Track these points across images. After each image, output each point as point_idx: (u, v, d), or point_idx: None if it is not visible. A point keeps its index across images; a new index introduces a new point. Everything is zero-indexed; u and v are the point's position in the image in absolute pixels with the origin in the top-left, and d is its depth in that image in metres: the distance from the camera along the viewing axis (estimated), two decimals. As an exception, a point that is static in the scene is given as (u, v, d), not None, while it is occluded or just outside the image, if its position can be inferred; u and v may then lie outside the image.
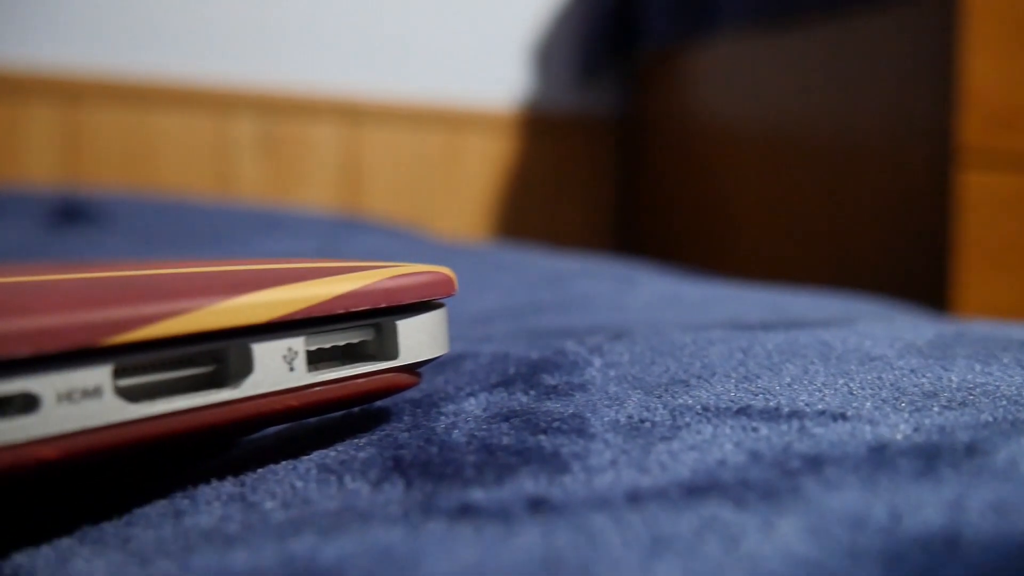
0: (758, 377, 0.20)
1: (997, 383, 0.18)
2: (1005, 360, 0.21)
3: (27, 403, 0.15)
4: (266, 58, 1.11)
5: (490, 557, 0.11)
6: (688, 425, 0.17)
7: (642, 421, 0.18)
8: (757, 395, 0.18)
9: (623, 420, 0.18)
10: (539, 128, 1.26)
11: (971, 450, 0.13)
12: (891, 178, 0.89)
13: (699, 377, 0.21)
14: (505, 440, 0.17)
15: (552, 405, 0.20)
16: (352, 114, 1.15)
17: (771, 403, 0.18)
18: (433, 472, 0.16)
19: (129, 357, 0.16)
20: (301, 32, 1.12)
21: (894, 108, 0.89)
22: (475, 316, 0.38)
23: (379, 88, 1.17)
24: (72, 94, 1.01)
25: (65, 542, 0.16)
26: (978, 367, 0.20)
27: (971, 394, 0.17)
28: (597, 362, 0.23)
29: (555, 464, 0.15)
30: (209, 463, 0.20)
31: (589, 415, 0.18)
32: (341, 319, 0.19)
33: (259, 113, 1.10)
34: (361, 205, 1.16)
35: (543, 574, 0.11)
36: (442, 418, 0.20)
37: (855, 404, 0.17)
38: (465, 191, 1.23)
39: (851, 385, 0.19)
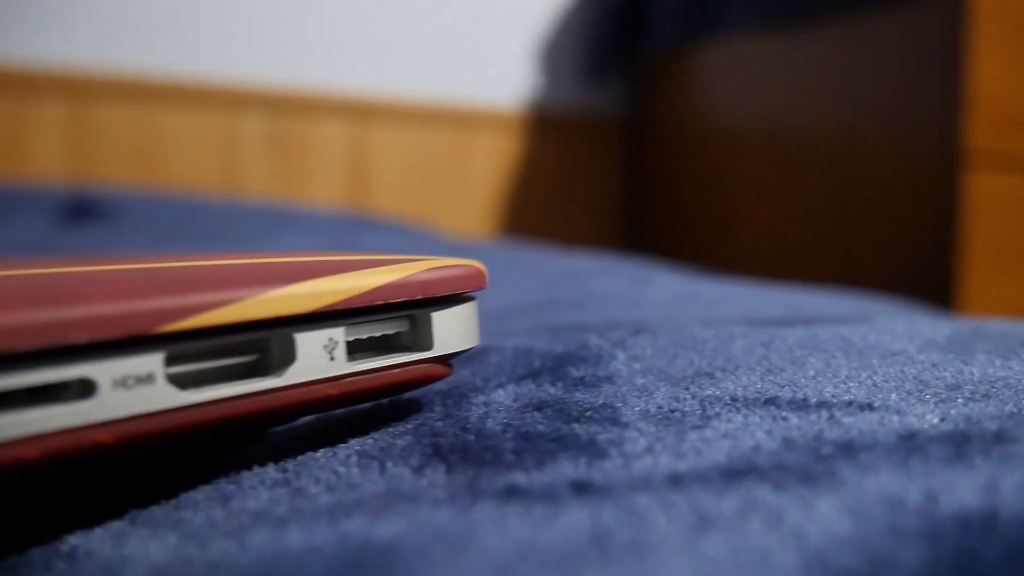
0: (782, 370, 0.21)
1: (1018, 377, 0.19)
2: (1023, 355, 0.21)
3: (84, 389, 0.15)
4: (274, 56, 1.11)
5: (541, 534, 0.12)
6: (718, 415, 0.17)
7: (672, 411, 0.18)
8: (783, 387, 0.19)
9: (653, 410, 0.18)
10: (545, 128, 1.27)
11: (999, 437, 0.14)
12: (897, 179, 0.90)
13: (723, 370, 0.21)
14: (540, 428, 0.18)
15: (582, 396, 0.20)
16: (359, 113, 1.16)
17: (798, 394, 0.18)
18: (473, 458, 0.16)
19: (180, 345, 0.16)
20: (309, 31, 1.13)
21: (901, 109, 0.90)
22: (493, 312, 0.39)
23: (386, 87, 1.17)
24: (81, 91, 1.02)
25: (116, 525, 0.16)
26: (998, 362, 0.20)
27: (993, 387, 0.18)
28: (621, 356, 0.24)
29: (592, 450, 0.16)
30: (246, 451, 0.21)
31: (619, 405, 0.19)
32: (377, 310, 0.19)
33: (267, 111, 1.11)
34: (368, 203, 1.17)
35: (594, 550, 0.11)
36: (474, 408, 0.20)
37: (881, 396, 0.17)
38: (471, 190, 1.23)
39: (875, 378, 0.19)
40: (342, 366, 0.18)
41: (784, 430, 0.16)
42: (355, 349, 0.19)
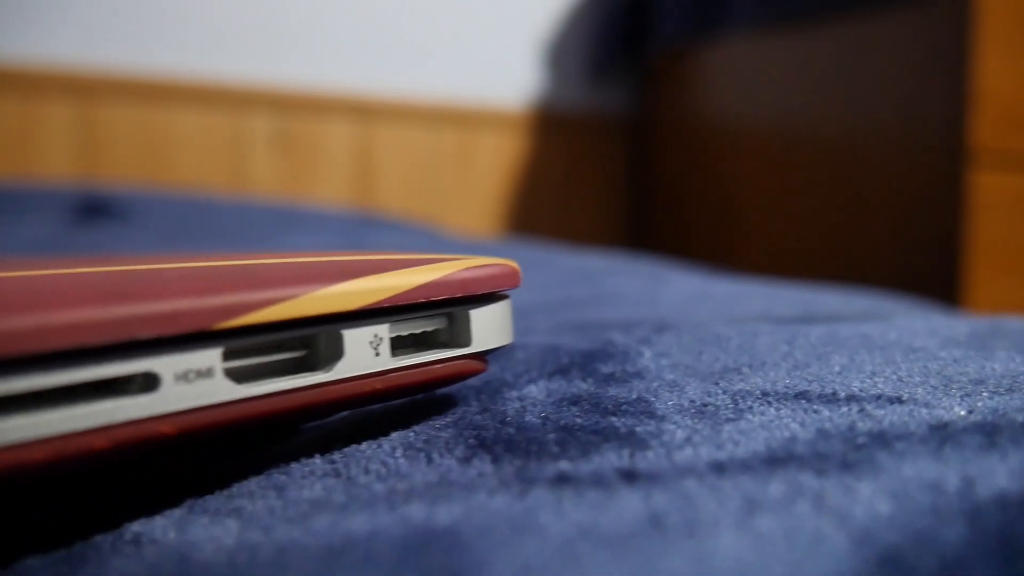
0: (808, 366, 0.21)
1: (1038, 371, 0.20)
2: (1040, 351, 0.22)
3: (147, 382, 0.16)
4: (281, 57, 1.12)
5: (599, 517, 0.12)
6: (751, 408, 0.18)
7: (705, 405, 0.19)
8: (811, 382, 0.20)
9: (686, 404, 0.19)
10: (551, 127, 1.28)
11: (1027, 428, 0.14)
12: (903, 178, 0.91)
13: (750, 366, 0.22)
14: (579, 421, 0.18)
15: (614, 391, 0.21)
16: (365, 112, 1.16)
17: (826, 389, 0.19)
18: (517, 449, 0.17)
19: (237, 340, 0.17)
20: (316, 31, 1.14)
21: (906, 108, 0.90)
22: (513, 310, 0.39)
23: (392, 87, 1.18)
24: (88, 91, 1.03)
25: (175, 513, 0.17)
26: (1018, 358, 0.21)
27: (1016, 381, 0.18)
28: (648, 352, 0.25)
29: (633, 441, 0.16)
30: (289, 444, 0.21)
31: (652, 399, 0.20)
32: (418, 308, 0.20)
33: (274, 111, 1.11)
34: (374, 202, 1.17)
35: (651, 530, 0.12)
36: (510, 403, 0.21)
37: (908, 390, 0.18)
38: (477, 189, 1.24)
39: (899, 373, 0.20)
40: (386, 361, 0.19)
41: (817, 422, 0.16)
42: (397, 345, 0.20)
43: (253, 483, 0.18)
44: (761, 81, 1.08)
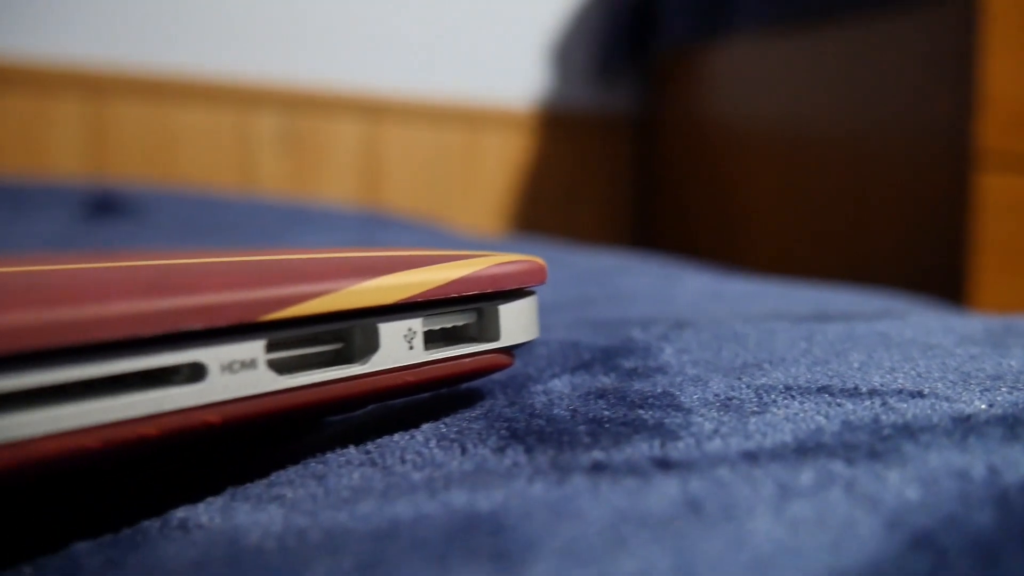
0: (827, 362, 0.22)
1: (1054, 368, 0.20)
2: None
3: (194, 373, 0.16)
4: (289, 55, 1.12)
5: (639, 502, 0.13)
6: (775, 402, 0.19)
7: (729, 399, 0.19)
8: (832, 377, 0.20)
9: (711, 397, 0.20)
10: (557, 126, 1.28)
11: (1047, 421, 0.15)
12: (909, 180, 0.91)
13: (770, 362, 0.23)
14: (607, 413, 0.19)
15: (639, 385, 0.21)
16: (373, 111, 1.17)
17: (848, 384, 0.19)
18: (550, 440, 0.18)
19: (280, 333, 0.17)
20: (323, 30, 1.14)
21: (912, 110, 0.91)
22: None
23: (399, 85, 1.18)
24: (97, 89, 1.03)
25: (217, 500, 0.17)
26: (1033, 354, 0.21)
27: (1032, 377, 0.19)
28: (668, 348, 0.25)
29: (663, 432, 0.17)
30: (318, 436, 0.22)
31: (677, 393, 0.20)
32: (449, 303, 0.20)
33: (281, 109, 1.12)
34: (380, 200, 1.18)
35: (690, 514, 0.12)
36: (536, 396, 0.21)
37: (927, 384, 0.19)
38: (483, 188, 1.25)
39: (918, 369, 0.20)
40: (420, 355, 0.20)
41: (842, 415, 0.17)
42: (428, 340, 0.20)
43: (291, 472, 0.18)
44: (767, 82, 1.08)
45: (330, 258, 0.20)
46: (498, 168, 1.25)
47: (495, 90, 1.25)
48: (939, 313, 0.35)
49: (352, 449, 0.19)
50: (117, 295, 0.15)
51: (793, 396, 0.19)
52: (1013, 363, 0.21)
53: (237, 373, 0.17)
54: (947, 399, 0.17)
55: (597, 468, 0.15)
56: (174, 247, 0.63)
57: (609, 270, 0.49)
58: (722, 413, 0.18)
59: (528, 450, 0.17)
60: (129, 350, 0.15)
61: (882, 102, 0.94)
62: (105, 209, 0.79)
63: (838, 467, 0.13)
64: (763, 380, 0.20)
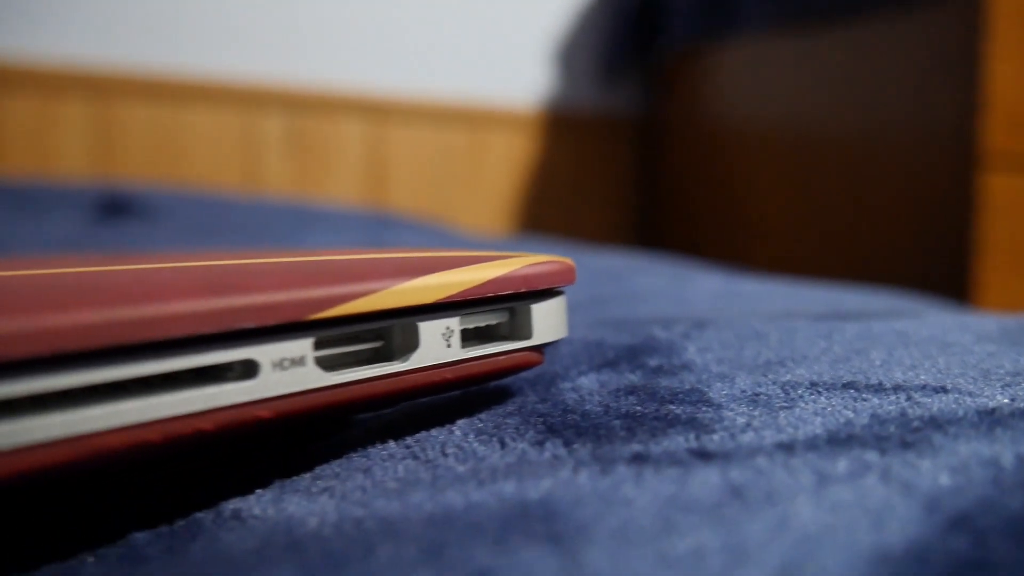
0: (848, 360, 0.22)
1: (1070, 364, 0.21)
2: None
3: (247, 369, 0.17)
4: (294, 56, 1.13)
5: (683, 489, 0.14)
6: (802, 397, 0.19)
7: (757, 394, 0.20)
8: (856, 374, 0.21)
9: (738, 393, 0.20)
10: (561, 127, 1.29)
11: (1068, 414, 0.16)
12: (913, 180, 0.92)
13: (792, 360, 0.23)
14: (639, 409, 0.20)
15: (666, 382, 0.22)
16: (377, 112, 1.18)
17: (871, 380, 0.20)
18: (587, 434, 0.18)
19: (327, 331, 0.18)
20: (328, 31, 1.15)
21: (917, 110, 0.92)
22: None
23: (404, 87, 1.19)
24: (102, 90, 1.04)
25: (268, 493, 0.18)
26: (1049, 351, 0.22)
27: (1050, 373, 0.20)
28: (691, 347, 0.26)
29: (697, 426, 0.18)
30: (355, 432, 0.23)
31: (706, 389, 0.21)
32: (483, 302, 0.21)
33: (286, 110, 1.13)
34: (385, 201, 1.19)
35: (734, 501, 0.13)
36: (567, 393, 0.22)
37: (950, 380, 0.19)
38: (487, 188, 1.25)
39: (938, 366, 0.21)
40: (457, 352, 0.20)
41: (869, 408, 0.17)
42: (464, 338, 0.21)
43: (335, 465, 0.19)
44: (771, 82, 1.09)
45: (372, 259, 0.21)
46: (502, 169, 1.26)
47: (499, 91, 1.25)
48: (954, 312, 0.36)
49: (392, 444, 0.20)
50: (179, 295, 0.16)
51: (819, 392, 0.19)
52: (1030, 360, 0.21)
53: (287, 370, 0.17)
54: (970, 394, 0.18)
55: (638, 459, 0.15)
56: (187, 248, 0.64)
57: (621, 270, 0.50)
58: (751, 408, 0.19)
59: (567, 443, 0.18)
60: (188, 348, 0.16)
61: (886, 103, 0.95)
62: (115, 210, 0.79)
63: (872, 457, 0.14)
64: (788, 377, 0.21)
